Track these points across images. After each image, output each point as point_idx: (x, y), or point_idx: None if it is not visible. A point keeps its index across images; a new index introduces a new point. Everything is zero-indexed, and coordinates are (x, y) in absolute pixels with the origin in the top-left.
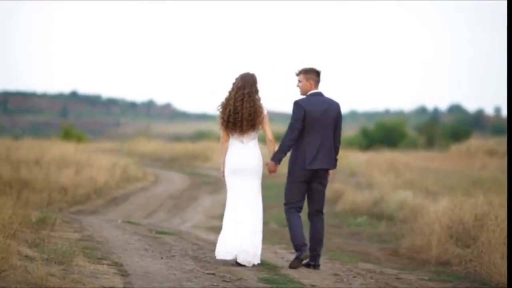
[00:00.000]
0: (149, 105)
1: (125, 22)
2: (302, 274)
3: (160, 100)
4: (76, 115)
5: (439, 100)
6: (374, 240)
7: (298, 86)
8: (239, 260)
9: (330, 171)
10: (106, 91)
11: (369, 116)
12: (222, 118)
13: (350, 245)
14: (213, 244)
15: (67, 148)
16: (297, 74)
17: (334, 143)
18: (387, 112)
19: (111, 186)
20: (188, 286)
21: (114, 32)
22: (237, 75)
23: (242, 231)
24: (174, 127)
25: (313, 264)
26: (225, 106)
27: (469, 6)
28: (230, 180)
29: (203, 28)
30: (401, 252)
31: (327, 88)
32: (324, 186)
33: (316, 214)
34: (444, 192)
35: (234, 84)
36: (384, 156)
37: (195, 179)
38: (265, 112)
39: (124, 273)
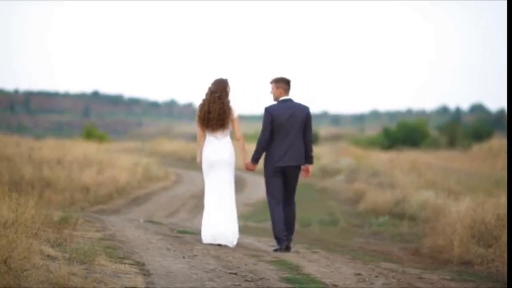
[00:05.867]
0: (171, 104)
1: (147, 22)
2: (324, 274)
3: (182, 99)
4: (98, 115)
5: (461, 99)
6: (396, 240)
7: (271, 93)
8: (221, 242)
9: (309, 167)
10: (128, 91)
11: (391, 116)
12: (199, 116)
13: (372, 244)
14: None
15: (89, 148)
16: (270, 83)
17: (304, 141)
18: (409, 112)
19: (133, 186)
20: (210, 286)
21: (136, 32)
22: (212, 80)
23: (220, 216)
24: (196, 127)
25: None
26: (202, 107)
27: (495, 5)
28: (207, 172)
29: (225, 29)
30: (423, 251)
31: (350, 88)
32: (295, 180)
33: (287, 203)
34: (466, 192)
35: (209, 88)
36: (406, 156)
37: None
38: (235, 113)
39: (146, 273)
